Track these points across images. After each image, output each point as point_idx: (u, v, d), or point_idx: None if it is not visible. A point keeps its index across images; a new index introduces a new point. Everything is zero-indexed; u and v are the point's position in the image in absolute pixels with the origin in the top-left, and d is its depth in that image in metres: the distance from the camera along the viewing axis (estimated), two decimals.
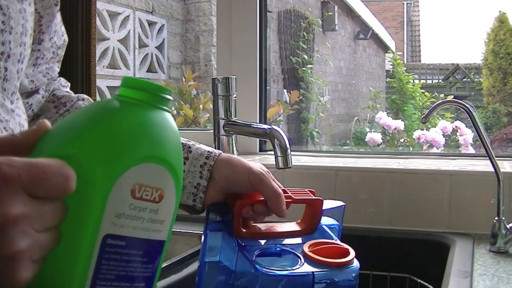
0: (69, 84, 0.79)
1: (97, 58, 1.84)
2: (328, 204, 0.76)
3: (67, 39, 0.78)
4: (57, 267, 0.39)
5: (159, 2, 3.56)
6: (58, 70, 0.77)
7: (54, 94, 0.76)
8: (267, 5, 1.60)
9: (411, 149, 3.50)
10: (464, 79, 9.29)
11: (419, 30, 13.35)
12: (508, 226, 1.02)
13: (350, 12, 7.56)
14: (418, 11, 13.52)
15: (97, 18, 2.56)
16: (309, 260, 0.66)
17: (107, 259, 0.40)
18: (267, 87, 1.60)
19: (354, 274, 0.66)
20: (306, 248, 0.67)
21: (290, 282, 0.63)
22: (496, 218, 1.03)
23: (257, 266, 0.63)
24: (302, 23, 5.38)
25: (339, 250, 0.68)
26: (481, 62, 8.71)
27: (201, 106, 2.95)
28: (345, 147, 5.93)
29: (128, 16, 3.20)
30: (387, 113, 4.23)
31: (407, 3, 12.97)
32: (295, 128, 4.97)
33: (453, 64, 9.57)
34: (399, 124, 3.68)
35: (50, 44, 0.74)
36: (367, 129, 5.12)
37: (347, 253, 0.66)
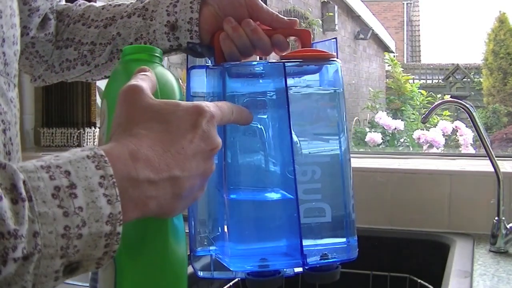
0: None
1: None
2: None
3: None
4: None
5: None
6: None
7: (56, 11, 0.78)
8: (267, 5, 1.60)
9: (411, 149, 3.50)
10: (464, 79, 9.29)
11: (419, 30, 13.36)
12: (508, 226, 1.02)
13: (350, 12, 7.56)
14: (418, 11, 13.54)
15: None
16: (285, 58, 0.61)
17: None
18: None
19: (335, 71, 0.61)
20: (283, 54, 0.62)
21: (264, 72, 0.60)
22: (496, 218, 1.03)
23: (226, 75, 0.59)
24: (302, 23, 5.39)
25: (320, 53, 0.62)
26: (481, 62, 8.72)
27: None
28: None
29: None
30: (386, 113, 4.23)
31: (407, 3, 12.98)
32: None
33: (453, 64, 9.57)
34: (399, 124, 3.68)
35: (50, 2, 0.76)
36: (367, 129, 5.11)
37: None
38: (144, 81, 0.48)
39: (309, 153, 0.61)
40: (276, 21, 0.68)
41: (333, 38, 0.67)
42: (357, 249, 0.62)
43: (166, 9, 0.70)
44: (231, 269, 0.59)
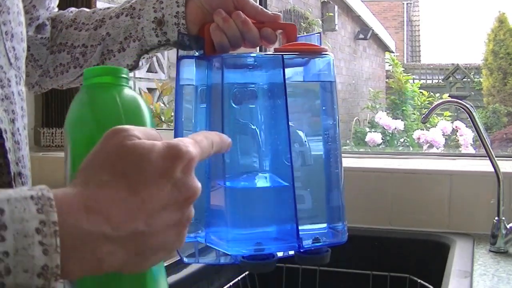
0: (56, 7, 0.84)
1: None
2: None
3: None
4: None
5: None
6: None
7: (50, 18, 0.80)
8: (267, 5, 1.60)
9: (411, 149, 3.50)
10: (464, 79, 9.30)
11: (419, 30, 13.37)
12: (508, 226, 1.02)
13: (350, 12, 7.57)
14: (418, 11, 13.54)
15: None
16: (279, 51, 0.63)
17: None
18: None
19: (327, 64, 0.64)
20: (276, 46, 0.65)
21: (260, 63, 0.62)
22: (496, 218, 1.03)
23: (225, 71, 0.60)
24: (302, 23, 5.39)
25: (313, 46, 0.65)
26: (481, 62, 8.72)
27: None
28: (345, 147, 5.93)
29: None
30: (386, 113, 4.23)
31: (407, 3, 12.98)
32: None
33: (453, 64, 9.58)
34: (399, 124, 3.68)
35: (49, 12, 0.78)
36: (367, 129, 5.12)
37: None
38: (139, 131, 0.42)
39: (296, 142, 0.62)
40: (261, 15, 0.69)
41: (317, 33, 0.70)
42: (347, 233, 0.64)
43: (153, 6, 0.71)
44: (229, 253, 0.60)
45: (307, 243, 0.60)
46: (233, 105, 0.60)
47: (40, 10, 0.75)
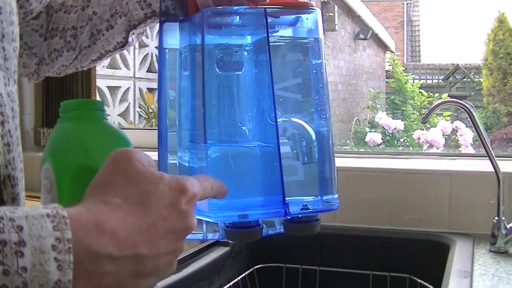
0: None
1: None
2: None
3: None
4: None
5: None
6: None
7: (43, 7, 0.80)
8: None
9: (411, 149, 3.50)
10: (464, 79, 9.30)
11: (419, 30, 13.37)
12: (508, 226, 1.02)
13: (350, 12, 7.56)
14: (418, 11, 13.54)
15: None
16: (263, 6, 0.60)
17: None
18: None
19: (313, 21, 0.61)
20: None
21: (243, 18, 0.59)
22: (496, 218, 1.03)
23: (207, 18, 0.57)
24: None
25: (299, 1, 0.63)
26: (481, 62, 8.71)
27: None
28: (345, 147, 5.93)
29: None
30: (386, 113, 4.23)
31: (407, 3, 12.98)
32: None
33: (453, 64, 9.58)
34: (399, 124, 3.68)
35: (42, 5, 0.77)
36: (367, 129, 5.12)
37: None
38: (139, 153, 0.45)
39: (283, 109, 0.59)
40: None
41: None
42: (338, 202, 0.61)
43: None
44: (211, 221, 0.57)
45: (294, 209, 0.57)
46: (216, 69, 0.58)
47: (34, 4, 0.75)
